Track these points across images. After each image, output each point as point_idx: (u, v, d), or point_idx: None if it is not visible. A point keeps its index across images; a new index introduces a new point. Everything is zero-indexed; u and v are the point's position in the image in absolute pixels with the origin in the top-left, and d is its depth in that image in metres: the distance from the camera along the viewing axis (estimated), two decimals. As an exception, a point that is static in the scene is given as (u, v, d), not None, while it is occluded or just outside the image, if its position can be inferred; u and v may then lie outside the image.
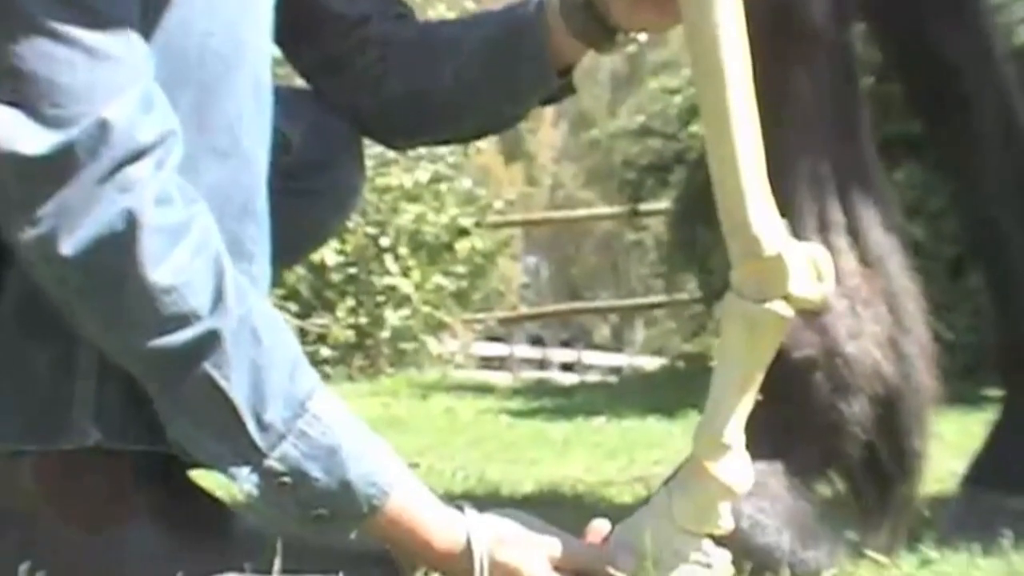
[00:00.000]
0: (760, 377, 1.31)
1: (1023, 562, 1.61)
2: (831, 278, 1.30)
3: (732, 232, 1.29)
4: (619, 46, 1.58)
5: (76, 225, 1.15)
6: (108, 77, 1.17)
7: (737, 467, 1.30)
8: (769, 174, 1.78)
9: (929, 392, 1.70)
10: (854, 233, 1.71)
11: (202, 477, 1.44)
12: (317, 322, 8.85)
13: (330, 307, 9.11)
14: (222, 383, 1.21)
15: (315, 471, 1.25)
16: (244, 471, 1.25)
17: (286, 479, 1.25)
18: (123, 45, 1.19)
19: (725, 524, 1.30)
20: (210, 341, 1.20)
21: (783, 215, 1.72)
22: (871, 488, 1.68)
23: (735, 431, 1.30)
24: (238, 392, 1.22)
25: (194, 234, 1.20)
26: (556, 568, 1.31)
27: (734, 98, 1.26)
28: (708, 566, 1.28)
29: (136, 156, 1.17)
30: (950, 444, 2.36)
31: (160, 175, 1.18)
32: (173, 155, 1.20)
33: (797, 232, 1.70)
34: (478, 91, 1.59)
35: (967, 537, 1.71)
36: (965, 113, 1.98)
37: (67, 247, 1.16)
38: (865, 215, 1.73)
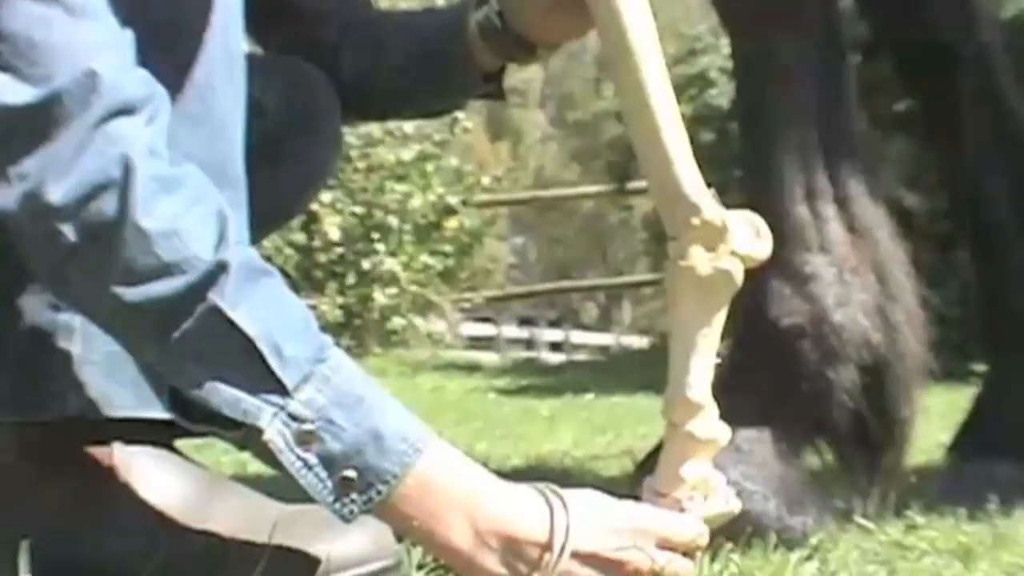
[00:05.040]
0: (717, 337, 1.32)
1: (1008, 526, 1.63)
2: (768, 236, 1.33)
3: (668, 204, 1.32)
4: (540, 58, 1.60)
5: (66, 174, 1.10)
6: (89, 34, 1.13)
7: (715, 422, 1.32)
8: (757, 144, 1.80)
9: (917, 360, 1.71)
10: (841, 202, 1.72)
11: (192, 451, 1.44)
12: (305, 302, 8.84)
13: (318, 287, 9.11)
14: (230, 313, 1.12)
15: (343, 419, 1.14)
16: (267, 414, 1.14)
17: (311, 426, 1.14)
18: (103, 5, 1.17)
19: (714, 481, 1.32)
20: (215, 274, 1.12)
21: (770, 184, 1.74)
22: (858, 455, 1.69)
23: (703, 391, 1.31)
24: (250, 323, 1.13)
25: (192, 184, 1.15)
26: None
27: (648, 77, 1.30)
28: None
29: (126, 109, 1.13)
30: (938, 417, 2.37)
31: (151, 130, 1.14)
32: (162, 115, 1.16)
33: (784, 201, 1.72)
34: (412, 85, 1.65)
35: (953, 503, 1.72)
36: (952, 86, 1.99)
37: (57, 196, 1.09)
38: (852, 184, 1.73)
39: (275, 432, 1.14)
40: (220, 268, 1.12)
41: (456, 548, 1.18)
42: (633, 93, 1.31)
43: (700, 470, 1.31)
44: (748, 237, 1.32)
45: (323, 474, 1.15)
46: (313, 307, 8.80)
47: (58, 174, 1.10)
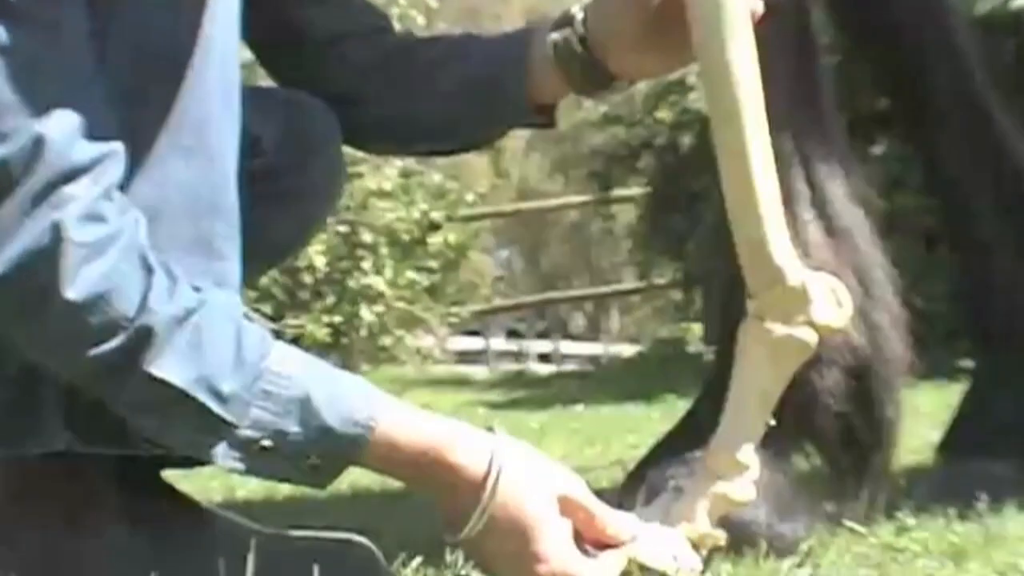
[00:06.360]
0: (776, 398, 1.37)
1: (999, 526, 1.63)
2: (849, 305, 1.36)
3: (753, 261, 1.33)
4: (611, 92, 1.55)
5: (6, 244, 1.13)
6: (49, 92, 1.14)
7: (750, 485, 1.35)
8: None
9: (900, 361, 1.71)
10: (820, 205, 1.71)
11: (180, 479, 1.43)
12: (292, 323, 8.83)
13: (305, 307, 9.10)
14: (160, 375, 1.17)
15: (291, 426, 1.21)
16: (222, 449, 1.21)
17: (266, 442, 1.21)
18: (69, 59, 1.17)
19: (713, 539, 1.35)
20: (139, 338, 1.17)
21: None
22: (846, 458, 1.69)
23: (751, 451, 1.35)
24: (182, 377, 1.18)
25: (120, 243, 1.16)
26: (563, 510, 1.27)
27: (752, 132, 1.30)
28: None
29: (72, 175, 1.14)
30: (926, 415, 2.37)
31: (94, 192, 1.15)
32: (110, 175, 1.17)
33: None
34: (451, 123, 1.59)
35: (944, 503, 1.72)
36: (925, 87, 1.99)
37: None
38: (830, 186, 1.73)
39: (231, 460, 1.22)
40: (144, 331, 1.17)
41: (420, 489, 1.29)
42: (734, 148, 1.31)
43: (709, 526, 1.33)
44: (828, 306, 1.34)
45: (288, 470, 1.24)
46: (300, 327, 8.80)
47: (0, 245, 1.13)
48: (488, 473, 1.24)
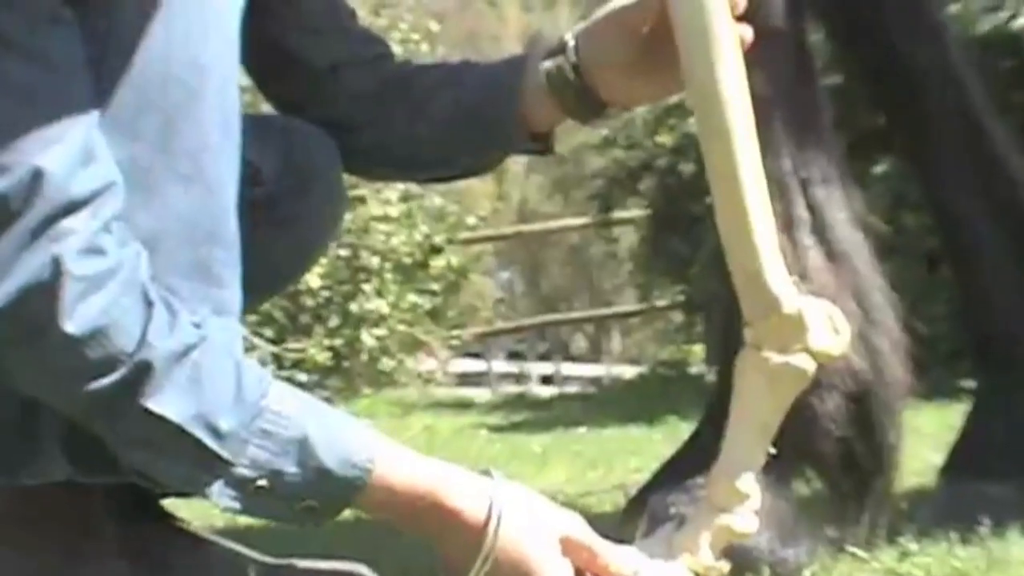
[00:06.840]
0: (775, 428, 1.35)
1: (1002, 550, 1.62)
2: (847, 331, 1.34)
3: (748, 289, 1.32)
4: (605, 118, 1.55)
5: (4, 277, 1.13)
6: (46, 125, 1.14)
7: (751, 516, 1.34)
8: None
9: (901, 385, 1.71)
10: (819, 229, 1.71)
11: (181, 506, 1.43)
12: (293, 346, 8.83)
13: (306, 331, 9.09)
14: (158, 410, 1.17)
15: (289, 466, 1.21)
16: (218, 487, 1.20)
17: (262, 482, 1.21)
18: (65, 90, 1.16)
19: (725, 569, 1.34)
20: (138, 373, 1.16)
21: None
22: (848, 483, 1.69)
23: (751, 480, 1.34)
24: (180, 413, 1.17)
25: (119, 277, 1.16)
26: (565, 551, 1.27)
27: (743, 158, 1.29)
28: None
29: (71, 208, 1.14)
30: (928, 436, 2.37)
31: (93, 225, 1.15)
32: (109, 207, 1.17)
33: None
34: (445, 150, 1.59)
35: (946, 527, 1.71)
36: (920, 104, 1.99)
37: None
38: (830, 211, 1.73)
39: (227, 499, 1.21)
40: (143, 366, 1.16)
41: (418, 533, 1.27)
42: (725, 175, 1.30)
43: (712, 558, 1.32)
44: (825, 333, 1.32)
45: (284, 510, 1.24)
46: (301, 351, 8.79)
47: None
48: (488, 518, 1.23)
